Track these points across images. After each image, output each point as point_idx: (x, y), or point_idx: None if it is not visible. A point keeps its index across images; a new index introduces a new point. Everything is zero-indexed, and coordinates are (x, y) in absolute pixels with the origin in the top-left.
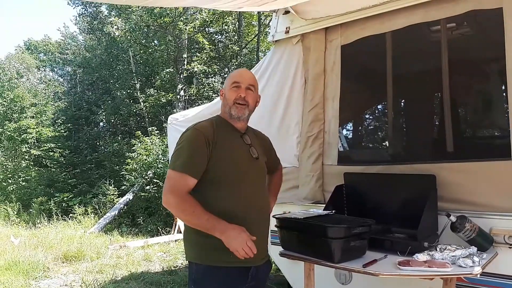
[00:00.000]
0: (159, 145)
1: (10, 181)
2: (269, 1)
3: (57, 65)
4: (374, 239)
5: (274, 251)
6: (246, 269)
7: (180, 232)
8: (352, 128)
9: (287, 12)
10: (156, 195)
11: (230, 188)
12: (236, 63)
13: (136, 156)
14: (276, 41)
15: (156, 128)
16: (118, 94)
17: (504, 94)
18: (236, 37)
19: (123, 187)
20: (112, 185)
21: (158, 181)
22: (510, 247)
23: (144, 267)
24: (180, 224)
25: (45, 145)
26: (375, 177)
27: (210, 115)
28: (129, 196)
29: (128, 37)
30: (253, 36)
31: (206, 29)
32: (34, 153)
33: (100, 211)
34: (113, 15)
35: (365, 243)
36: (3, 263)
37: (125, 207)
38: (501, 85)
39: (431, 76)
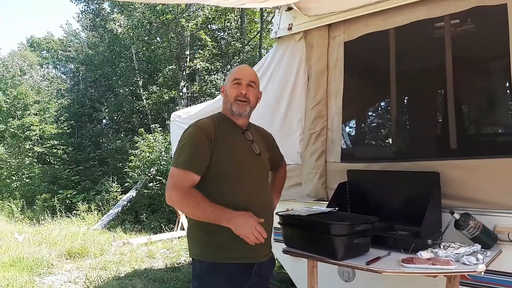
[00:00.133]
0: (162, 142)
1: (14, 178)
2: None
3: (60, 62)
4: (378, 237)
5: (277, 248)
6: (250, 266)
7: (183, 229)
8: (355, 125)
9: (290, 8)
10: (159, 192)
11: (232, 185)
12: (239, 60)
13: (139, 153)
14: (279, 37)
15: (159, 125)
16: (121, 91)
17: (508, 91)
18: (238, 34)
19: (126, 184)
20: (115, 182)
21: (161, 178)
22: None
23: (148, 264)
24: (183, 221)
25: (48, 142)
26: (379, 174)
27: (213, 112)
28: (132, 193)
29: (131, 34)
30: (255, 33)
31: (209, 26)
32: (38, 150)
33: (104, 208)
34: (116, 12)
35: (368, 240)
36: (7, 260)
37: (128, 204)
38: (505, 82)
39: (435, 73)
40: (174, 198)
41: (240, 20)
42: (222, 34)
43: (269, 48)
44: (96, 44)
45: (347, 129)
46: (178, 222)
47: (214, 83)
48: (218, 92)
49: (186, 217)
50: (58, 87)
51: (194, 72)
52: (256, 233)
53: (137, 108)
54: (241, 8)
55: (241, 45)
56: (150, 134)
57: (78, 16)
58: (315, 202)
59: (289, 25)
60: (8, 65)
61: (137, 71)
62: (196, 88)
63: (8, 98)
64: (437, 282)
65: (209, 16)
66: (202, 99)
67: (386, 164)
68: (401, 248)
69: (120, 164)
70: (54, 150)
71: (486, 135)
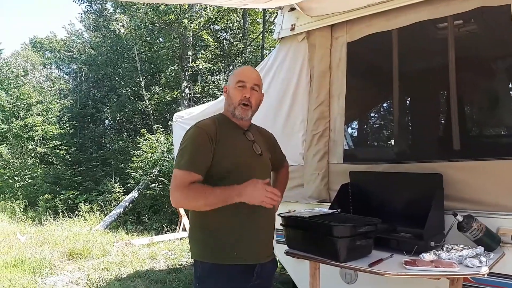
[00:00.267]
0: (164, 143)
1: (16, 179)
2: None
3: (63, 63)
4: (380, 238)
5: (280, 249)
6: (251, 267)
7: (185, 230)
8: (357, 126)
9: (292, 9)
10: (162, 193)
11: (234, 185)
12: (241, 60)
13: (141, 153)
14: (281, 38)
15: (161, 126)
16: (123, 91)
17: None
18: (241, 35)
19: (128, 185)
20: (118, 183)
21: (163, 178)
22: None
23: (149, 265)
24: (185, 222)
25: (51, 142)
26: (381, 176)
27: (215, 113)
28: (134, 193)
29: (133, 34)
30: (258, 33)
31: (211, 26)
32: (40, 151)
33: (106, 209)
34: (119, 12)
35: (371, 242)
36: (9, 260)
37: (130, 205)
38: (508, 83)
39: (438, 74)
40: (178, 197)
41: (242, 20)
42: (224, 34)
43: (271, 48)
44: (98, 44)
45: (350, 130)
46: (180, 223)
47: (217, 83)
48: (221, 93)
49: (188, 218)
50: (60, 87)
51: (196, 72)
52: (270, 195)
53: (140, 108)
54: (244, 9)
55: (243, 46)
56: (153, 135)
57: (81, 16)
58: (317, 204)
59: (292, 25)
60: (11, 66)
61: (139, 72)
62: (198, 88)
63: (11, 99)
64: (439, 284)
65: (212, 16)
66: (204, 99)
67: (389, 165)
68: (404, 250)
69: (123, 164)
70: (57, 151)
71: (489, 136)
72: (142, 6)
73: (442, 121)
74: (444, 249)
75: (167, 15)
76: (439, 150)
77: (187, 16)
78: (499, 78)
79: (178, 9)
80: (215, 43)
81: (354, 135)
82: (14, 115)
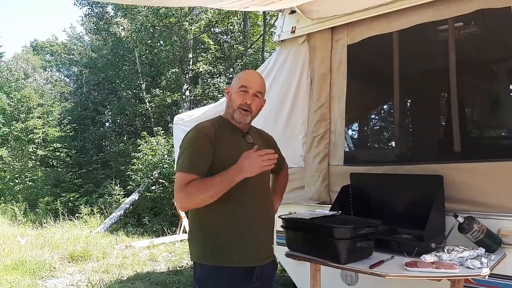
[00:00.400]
0: (165, 145)
1: (17, 181)
2: (275, 0)
3: (64, 66)
4: (381, 240)
5: (280, 251)
6: (251, 269)
7: (186, 232)
8: (358, 128)
9: (293, 11)
10: (162, 195)
11: (232, 187)
12: (242, 63)
13: (141, 156)
14: (282, 40)
15: (161, 128)
16: (124, 94)
17: None
18: (241, 37)
19: (128, 187)
20: (118, 185)
21: (163, 181)
22: None
23: (150, 267)
24: (185, 224)
25: (51, 145)
26: (382, 178)
27: (215, 115)
28: (134, 196)
29: (134, 37)
30: (258, 36)
31: (212, 29)
32: (41, 153)
33: (106, 211)
34: (119, 15)
35: (371, 243)
36: (10, 263)
37: (131, 207)
38: (509, 85)
39: (438, 76)
40: (182, 197)
41: (243, 23)
42: (225, 37)
43: (272, 51)
44: (99, 47)
45: (350, 132)
46: (181, 225)
47: (217, 86)
48: (221, 95)
49: (188, 219)
50: (61, 90)
51: (197, 75)
52: (265, 157)
53: (140, 111)
54: (244, 11)
55: (244, 48)
56: (153, 137)
57: (82, 19)
58: (318, 205)
59: (292, 28)
60: (12, 69)
61: (140, 74)
62: (199, 91)
63: (12, 101)
64: (440, 286)
65: (212, 19)
66: (205, 102)
67: (390, 167)
68: (405, 251)
69: (123, 167)
70: (57, 153)
71: (490, 138)
72: (143, 9)
73: (443, 123)
74: (445, 250)
75: (167, 18)
76: (440, 151)
77: (188, 19)
78: (500, 80)
79: (179, 12)
80: (216, 46)
81: (354, 137)
82: (15, 118)
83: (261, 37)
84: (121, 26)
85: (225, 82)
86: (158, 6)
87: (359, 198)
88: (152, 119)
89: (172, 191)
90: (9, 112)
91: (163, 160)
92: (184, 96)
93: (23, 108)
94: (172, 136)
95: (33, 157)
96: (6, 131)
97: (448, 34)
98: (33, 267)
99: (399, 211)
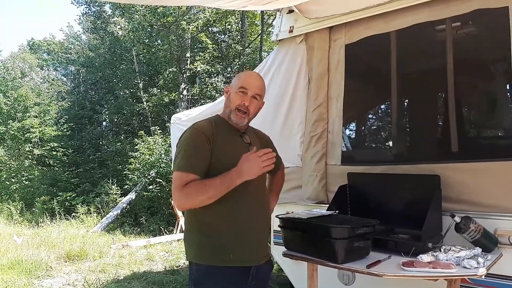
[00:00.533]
0: (162, 145)
1: (13, 180)
2: (273, 0)
3: (61, 65)
4: (378, 240)
5: (277, 251)
6: (247, 269)
7: (183, 232)
8: (356, 128)
9: (291, 11)
10: (159, 194)
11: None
12: (239, 62)
13: (139, 155)
14: (279, 40)
15: (159, 128)
16: (121, 93)
17: (509, 93)
18: (239, 37)
19: (125, 187)
20: (115, 185)
21: (161, 180)
22: None
23: (147, 267)
24: (182, 223)
25: (48, 144)
26: (379, 177)
27: (213, 115)
28: (131, 195)
29: (131, 36)
30: (256, 35)
31: (209, 28)
32: (37, 153)
33: (103, 211)
34: (117, 14)
35: (368, 243)
36: (6, 262)
37: (128, 207)
38: (506, 85)
39: (436, 76)
40: (181, 197)
41: (240, 22)
42: (222, 36)
43: (269, 50)
44: (96, 46)
45: (348, 132)
46: (178, 224)
47: (215, 85)
48: (219, 94)
49: (184, 219)
50: (58, 89)
51: (194, 74)
52: (264, 158)
53: (137, 110)
54: (242, 11)
55: (241, 48)
56: (150, 137)
57: (79, 18)
58: (315, 205)
59: (290, 27)
60: (8, 67)
61: (137, 74)
62: (196, 90)
63: (9, 100)
64: (437, 285)
65: (210, 18)
66: (202, 101)
67: (387, 167)
68: (402, 251)
69: (120, 166)
70: (54, 152)
71: (487, 138)
72: (140, 8)
73: (440, 123)
74: (442, 250)
75: (165, 17)
76: (437, 151)
77: (185, 18)
78: (497, 80)
79: (177, 11)
80: (213, 45)
81: (352, 137)
82: (12, 117)
83: (259, 37)
84: (119, 25)
85: (222, 82)
86: (156, 5)
87: (357, 198)
88: (150, 119)
89: (169, 191)
90: (5, 111)
91: (160, 160)
92: (181, 96)
93: (20, 107)
94: (170, 135)
95: (30, 156)
96: (2, 130)
97: (446, 34)
98: (29, 266)
99: (396, 211)
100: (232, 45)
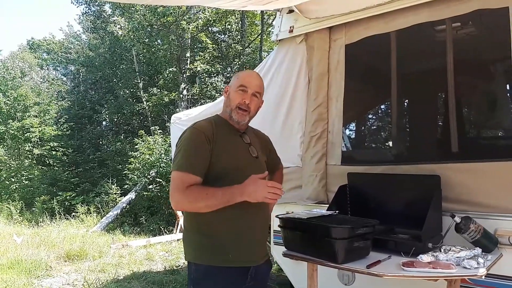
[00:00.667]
0: (162, 145)
1: (13, 180)
2: (273, 0)
3: (60, 64)
4: (378, 240)
5: (277, 251)
6: (246, 269)
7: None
8: (356, 128)
9: (291, 11)
10: (159, 194)
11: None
12: (239, 62)
13: (138, 155)
14: (279, 40)
15: (159, 127)
16: (121, 93)
17: (510, 94)
18: (239, 37)
19: (125, 186)
20: (115, 184)
21: (160, 180)
22: None
23: (146, 267)
24: (182, 223)
25: (48, 144)
26: (379, 177)
27: (212, 115)
28: (131, 195)
29: (131, 36)
30: (256, 35)
31: (209, 28)
32: (37, 152)
33: (103, 210)
34: (117, 14)
35: (368, 243)
36: (5, 262)
37: (128, 206)
38: (506, 85)
39: (436, 76)
40: (178, 199)
41: (240, 22)
42: (222, 36)
43: (269, 50)
44: (96, 46)
45: (348, 132)
46: (177, 224)
47: (215, 85)
48: (219, 94)
49: (183, 219)
50: (58, 89)
51: (194, 74)
52: (272, 189)
53: (137, 110)
54: (242, 11)
55: (241, 48)
56: (150, 136)
57: (79, 18)
58: (315, 205)
59: (290, 27)
60: (8, 67)
61: (137, 73)
62: (196, 90)
63: (8, 100)
64: (437, 286)
65: (210, 18)
66: (202, 101)
67: (387, 167)
68: (402, 251)
69: (120, 166)
70: (54, 152)
71: (487, 138)
72: (141, 8)
73: (440, 123)
74: (442, 250)
75: (165, 17)
76: (437, 152)
77: (185, 18)
78: (497, 81)
79: (176, 11)
80: (213, 45)
81: (352, 137)
82: (11, 117)
83: (259, 37)
84: (119, 24)
85: (222, 81)
86: (156, 5)
87: (357, 198)
88: (149, 118)
89: (169, 190)
90: (5, 110)
91: (160, 159)
92: (181, 95)
93: (20, 106)
94: (169, 135)
95: (30, 156)
96: (2, 129)
97: (446, 34)
98: (29, 266)
99: (396, 211)
100: (232, 45)
